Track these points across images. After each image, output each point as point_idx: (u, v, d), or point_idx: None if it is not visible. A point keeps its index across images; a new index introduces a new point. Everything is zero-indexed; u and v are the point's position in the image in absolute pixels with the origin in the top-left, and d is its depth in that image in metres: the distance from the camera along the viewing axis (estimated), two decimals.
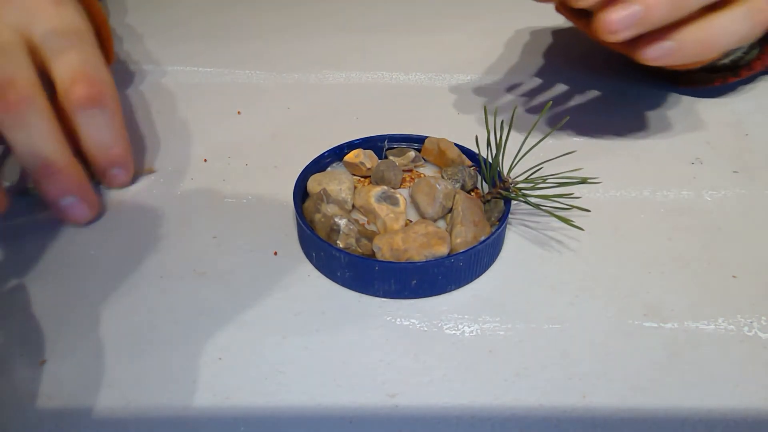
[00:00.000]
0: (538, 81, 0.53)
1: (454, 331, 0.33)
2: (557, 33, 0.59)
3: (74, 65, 0.38)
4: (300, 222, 0.36)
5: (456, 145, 0.40)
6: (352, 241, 0.34)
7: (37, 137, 0.36)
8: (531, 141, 0.38)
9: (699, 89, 0.50)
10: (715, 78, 0.48)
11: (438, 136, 0.41)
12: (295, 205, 0.36)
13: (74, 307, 0.34)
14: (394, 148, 0.42)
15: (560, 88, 0.52)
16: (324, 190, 0.37)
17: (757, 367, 0.31)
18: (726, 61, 0.48)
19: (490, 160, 0.38)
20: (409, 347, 0.32)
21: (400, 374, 0.31)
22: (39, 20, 0.39)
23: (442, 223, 0.36)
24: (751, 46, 0.47)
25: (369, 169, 0.40)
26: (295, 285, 0.35)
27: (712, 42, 0.37)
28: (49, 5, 0.40)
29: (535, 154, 0.39)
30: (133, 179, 0.42)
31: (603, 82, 0.52)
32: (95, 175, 0.41)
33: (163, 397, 0.30)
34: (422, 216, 0.37)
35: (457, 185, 0.38)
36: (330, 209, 0.35)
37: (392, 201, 0.37)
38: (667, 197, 0.41)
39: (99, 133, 0.39)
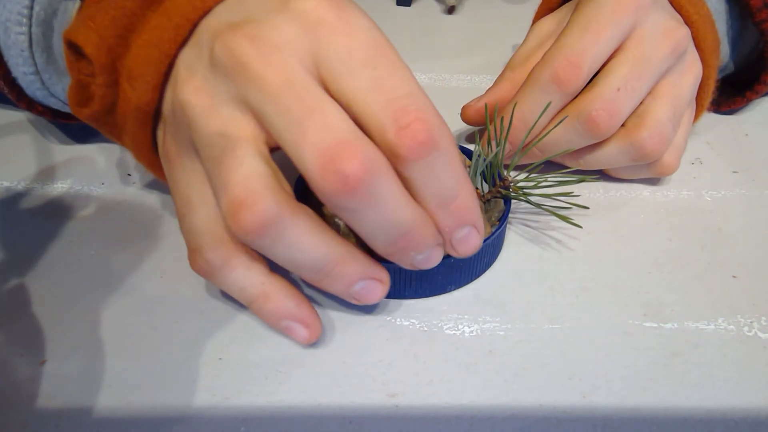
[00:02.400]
0: None
1: (454, 331, 0.33)
2: None
3: (388, 98, 0.28)
4: None
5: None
6: (352, 241, 0.34)
7: (392, 207, 0.28)
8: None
9: (726, 110, 0.49)
10: (735, 100, 0.48)
11: None
12: None
13: (74, 307, 0.34)
14: None
15: None
16: None
17: (757, 367, 0.31)
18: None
19: (489, 159, 0.38)
20: (409, 347, 0.32)
21: (400, 374, 0.31)
22: (325, 42, 0.28)
23: None
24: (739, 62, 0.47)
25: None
26: (295, 285, 0.35)
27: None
28: (333, 17, 0.28)
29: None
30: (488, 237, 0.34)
31: None
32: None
33: (163, 397, 0.30)
34: None
35: None
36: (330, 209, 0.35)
37: None
38: (667, 197, 0.41)
39: (437, 184, 0.29)
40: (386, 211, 0.28)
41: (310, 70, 0.28)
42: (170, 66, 0.31)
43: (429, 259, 0.30)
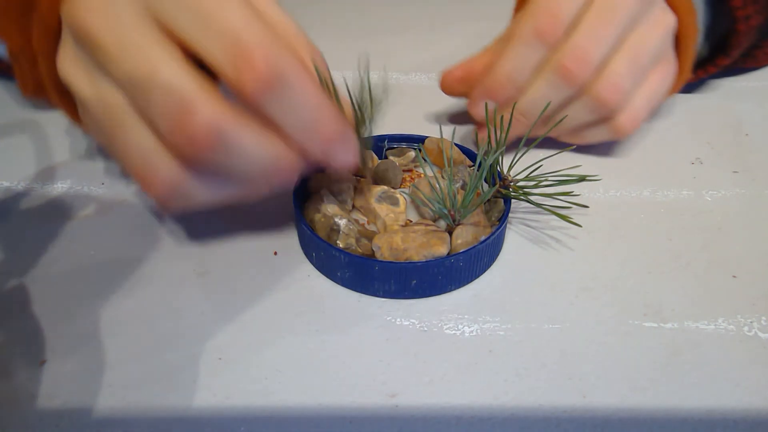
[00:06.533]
0: None
1: (454, 331, 0.33)
2: None
3: (220, 34, 0.26)
4: (300, 222, 0.36)
5: (456, 144, 0.40)
6: (352, 241, 0.34)
7: (250, 155, 0.28)
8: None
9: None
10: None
11: (438, 136, 0.41)
12: (295, 205, 0.36)
13: (74, 307, 0.34)
14: (394, 148, 0.42)
15: None
16: (324, 190, 0.37)
17: (757, 367, 0.31)
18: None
19: (490, 159, 0.38)
20: (409, 347, 0.32)
21: (400, 374, 0.31)
22: None
23: (442, 223, 0.36)
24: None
25: (369, 169, 0.40)
26: (295, 285, 0.35)
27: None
28: None
29: (534, 153, 0.39)
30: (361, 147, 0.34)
31: None
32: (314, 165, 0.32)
33: (163, 397, 0.30)
34: (422, 216, 0.37)
35: (458, 185, 0.38)
36: (330, 209, 0.35)
37: (392, 201, 0.37)
38: (667, 197, 0.41)
39: (293, 114, 0.28)
40: (247, 159, 0.28)
41: (147, 19, 0.27)
42: (58, 38, 0.32)
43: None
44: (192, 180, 0.29)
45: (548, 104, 0.38)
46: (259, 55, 0.26)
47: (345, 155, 0.31)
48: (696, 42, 0.43)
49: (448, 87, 0.44)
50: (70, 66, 0.30)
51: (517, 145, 0.39)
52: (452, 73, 0.44)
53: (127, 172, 0.30)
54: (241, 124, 0.28)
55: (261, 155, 0.28)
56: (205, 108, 0.27)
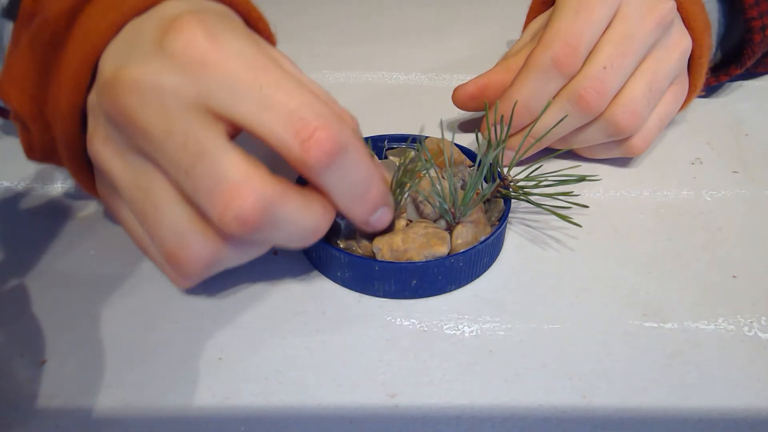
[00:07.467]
0: None
1: (454, 331, 0.33)
2: None
3: (282, 114, 0.27)
4: None
5: (456, 145, 0.40)
6: (352, 241, 0.34)
7: (294, 228, 0.29)
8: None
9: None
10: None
11: (438, 136, 0.41)
12: None
13: (74, 307, 0.34)
14: (394, 148, 0.42)
15: None
16: None
17: (757, 367, 0.31)
18: None
19: (490, 159, 0.38)
20: (409, 347, 0.32)
21: (400, 374, 0.31)
22: (204, 77, 0.27)
23: (442, 223, 0.36)
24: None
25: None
26: (295, 285, 0.35)
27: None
28: (207, 49, 0.27)
29: (534, 153, 0.39)
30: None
31: None
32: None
33: (163, 397, 0.30)
34: (422, 216, 0.37)
35: (458, 185, 0.38)
36: None
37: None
38: (667, 197, 0.41)
39: (350, 182, 0.29)
40: (293, 229, 0.29)
41: (197, 108, 0.28)
42: (84, 111, 0.31)
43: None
44: (226, 252, 0.30)
45: (549, 103, 0.38)
46: (324, 132, 0.27)
47: (383, 219, 0.32)
48: (709, 59, 0.43)
49: (461, 102, 0.44)
50: (104, 146, 0.30)
51: (530, 160, 0.39)
52: (465, 89, 0.44)
53: (151, 249, 0.31)
54: (288, 197, 0.28)
55: (306, 224, 0.29)
56: (255, 187, 0.27)
